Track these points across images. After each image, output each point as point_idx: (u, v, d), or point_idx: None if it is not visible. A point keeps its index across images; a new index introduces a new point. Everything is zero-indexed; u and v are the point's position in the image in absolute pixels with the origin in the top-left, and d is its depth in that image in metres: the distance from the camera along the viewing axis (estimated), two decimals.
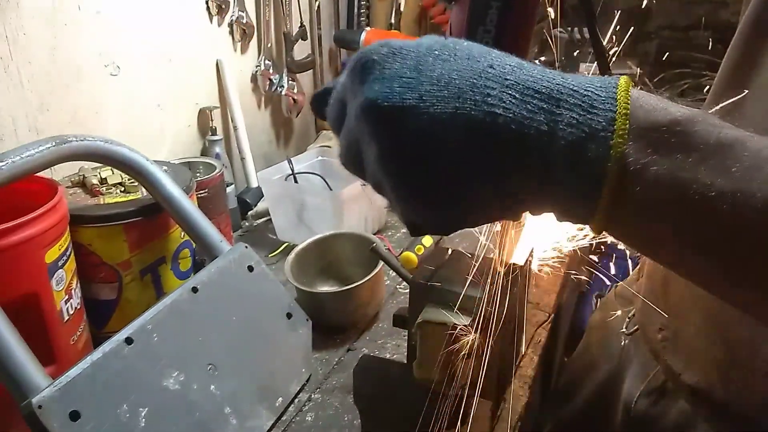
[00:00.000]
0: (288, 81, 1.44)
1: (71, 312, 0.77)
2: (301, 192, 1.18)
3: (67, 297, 0.76)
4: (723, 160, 0.29)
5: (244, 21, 1.28)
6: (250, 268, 0.85)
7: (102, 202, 0.87)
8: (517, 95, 0.31)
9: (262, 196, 1.30)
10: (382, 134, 0.32)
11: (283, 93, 1.44)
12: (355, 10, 1.72)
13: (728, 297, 0.35)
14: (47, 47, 0.91)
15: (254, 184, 1.34)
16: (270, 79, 1.40)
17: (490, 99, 0.31)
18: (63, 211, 0.76)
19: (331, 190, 1.23)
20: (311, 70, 1.55)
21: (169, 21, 1.12)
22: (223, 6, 1.23)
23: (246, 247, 0.86)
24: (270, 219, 1.26)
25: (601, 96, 0.31)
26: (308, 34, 1.49)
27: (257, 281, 0.85)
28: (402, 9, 1.98)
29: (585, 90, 0.31)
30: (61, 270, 0.75)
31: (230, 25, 1.27)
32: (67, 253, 0.77)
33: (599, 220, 0.32)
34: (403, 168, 0.32)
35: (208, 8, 1.20)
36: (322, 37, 1.61)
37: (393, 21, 1.96)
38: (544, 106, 0.31)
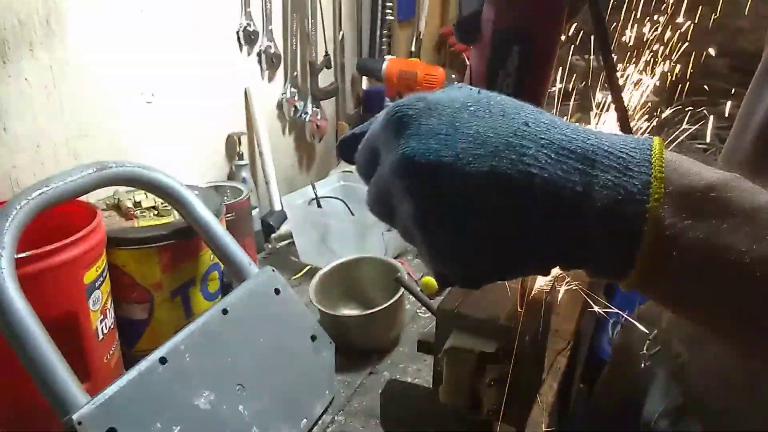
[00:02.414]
0: (312, 107, 1.48)
1: (105, 331, 0.80)
2: (325, 216, 1.21)
3: (102, 317, 0.79)
4: (758, 227, 0.30)
5: (272, 51, 1.33)
6: (277, 291, 0.87)
7: (136, 225, 0.90)
8: (552, 155, 0.31)
9: (285, 218, 1.33)
10: (417, 191, 0.32)
11: (307, 119, 1.48)
12: (377, 38, 1.76)
13: (760, 358, 0.36)
14: (87, 75, 0.95)
15: (277, 207, 1.37)
16: (295, 106, 1.44)
17: (526, 158, 0.31)
18: (101, 235, 0.79)
19: (353, 214, 1.25)
20: (334, 97, 1.59)
21: (202, 51, 1.17)
22: (253, 36, 1.27)
23: (273, 270, 0.89)
24: (293, 241, 1.29)
25: (635, 158, 0.31)
26: (332, 62, 1.53)
27: (283, 304, 0.87)
28: (422, 37, 2.03)
29: (620, 152, 0.31)
30: (97, 290, 0.78)
31: (259, 54, 1.31)
32: (104, 275, 0.80)
33: (632, 281, 0.32)
34: (438, 225, 0.33)
35: (238, 38, 1.25)
36: (345, 65, 1.65)
37: (414, 49, 2.02)
38: (580, 167, 0.31)
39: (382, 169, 0.35)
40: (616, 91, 0.50)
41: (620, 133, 0.50)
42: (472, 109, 0.33)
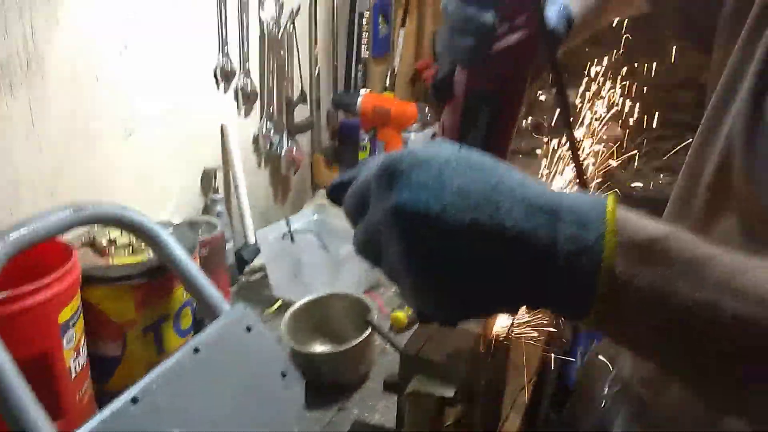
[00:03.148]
0: (288, 141, 1.52)
1: (79, 369, 0.82)
2: (298, 251, 1.23)
3: (75, 354, 0.81)
4: (697, 276, 0.35)
5: (249, 87, 1.37)
6: (249, 328, 0.89)
7: (111, 263, 0.92)
8: (523, 209, 0.36)
9: (259, 251, 1.35)
10: (408, 236, 0.36)
11: (282, 153, 1.51)
12: (353, 73, 1.81)
13: (709, 399, 0.40)
14: (66, 115, 0.98)
15: (252, 240, 1.40)
16: (270, 140, 1.47)
17: (501, 212, 0.36)
18: (77, 274, 0.81)
19: (326, 248, 1.28)
20: (309, 131, 1.63)
21: (180, 88, 1.20)
22: (230, 74, 1.31)
23: (245, 307, 0.91)
24: (266, 274, 1.31)
25: (593, 214, 0.36)
26: (308, 97, 1.57)
27: (255, 341, 0.89)
28: (396, 72, 2.09)
29: (579, 208, 0.36)
30: (72, 329, 0.79)
31: (236, 91, 1.35)
32: (78, 313, 0.82)
33: (591, 322, 0.37)
34: (424, 267, 0.37)
35: (215, 77, 1.29)
36: (321, 99, 1.70)
37: (388, 83, 2.07)
38: (546, 221, 0.36)
39: (372, 216, 0.39)
40: (574, 152, 0.54)
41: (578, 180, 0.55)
42: (455, 165, 0.37)
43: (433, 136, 0.58)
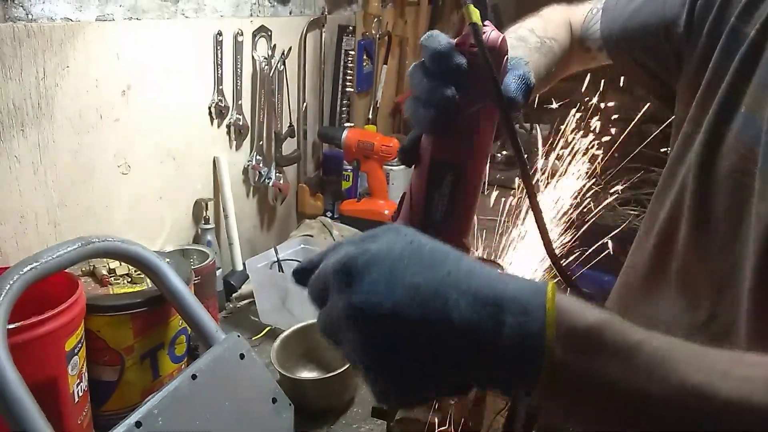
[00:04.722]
0: (275, 173, 1.58)
1: (81, 394, 0.86)
2: (285, 280, 1.29)
3: (78, 380, 0.86)
4: (627, 363, 0.38)
5: (241, 123, 1.43)
6: (242, 356, 0.95)
7: (111, 292, 0.97)
8: (470, 300, 0.39)
9: (247, 278, 1.41)
10: (363, 331, 0.40)
11: (270, 184, 1.58)
12: (338, 108, 1.90)
13: None
14: (71, 151, 1.03)
15: (239, 267, 1.45)
16: (259, 172, 1.54)
17: (449, 305, 0.38)
18: (82, 304, 0.86)
19: None
20: (296, 163, 1.70)
21: (176, 124, 1.26)
22: (223, 111, 1.38)
23: (238, 336, 0.97)
24: (253, 300, 1.37)
25: (533, 305, 0.38)
26: (296, 132, 1.65)
27: (247, 368, 0.95)
28: (378, 105, 2.18)
29: (522, 298, 0.39)
30: (76, 356, 0.85)
31: (228, 126, 1.42)
32: (82, 341, 0.87)
33: (536, 401, 0.40)
34: (379, 359, 0.40)
35: (210, 113, 1.35)
36: (308, 131, 1.77)
37: (371, 116, 2.16)
38: (491, 311, 0.38)
39: (332, 308, 0.42)
40: (535, 207, 0.56)
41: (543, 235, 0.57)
42: (407, 261, 0.41)
43: (394, 218, 0.59)
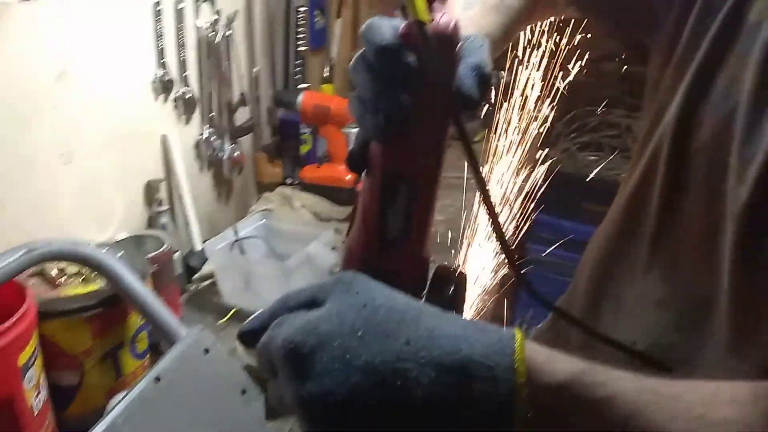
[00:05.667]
0: (230, 145, 1.52)
1: (40, 406, 0.84)
2: (248, 262, 1.26)
3: (36, 392, 0.83)
4: (599, 420, 0.36)
5: (188, 96, 1.36)
6: (206, 351, 0.93)
7: (63, 294, 0.93)
8: (432, 373, 0.36)
9: (206, 259, 1.37)
10: (319, 424, 0.37)
11: (225, 157, 1.52)
12: (291, 68, 1.82)
13: None
14: (8, 144, 0.96)
15: (198, 247, 1.41)
16: (213, 146, 1.48)
17: (409, 382, 0.36)
18: (33, 313, 0.82)
19: (276, 254, 1.32)
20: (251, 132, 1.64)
21: (119, 104, 1.19)
22: (168, 85, 1.30)
23: (201, 329, 0.94)
24: (215, 282, 1.34)
25: (501, 365, 0.36)
26: (247, 99, 1.58)
27: (213, 363, 0.93)
28: (335, 62, 2.10)
29: (488, 358, 0.37)
30: (31, 369, 0.81)
31: (175, 100, 1.34)
32: (36, 352, 0.83)
33: None
34: None
35: (154, 88, 1.28)
36: (261, 97, 1.70)
37: (326, 74, 2.08)
38: (456, 381, 0.36)
39: (284, 390, 0.40)
40: (488, 205, 0.50)
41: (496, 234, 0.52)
42: (360, 334, 0.37)
43: (343, 263, 0.53)
